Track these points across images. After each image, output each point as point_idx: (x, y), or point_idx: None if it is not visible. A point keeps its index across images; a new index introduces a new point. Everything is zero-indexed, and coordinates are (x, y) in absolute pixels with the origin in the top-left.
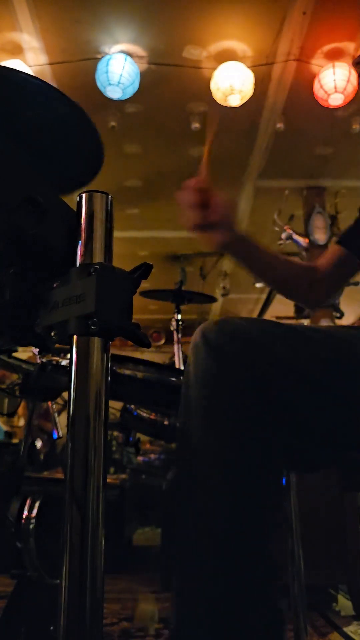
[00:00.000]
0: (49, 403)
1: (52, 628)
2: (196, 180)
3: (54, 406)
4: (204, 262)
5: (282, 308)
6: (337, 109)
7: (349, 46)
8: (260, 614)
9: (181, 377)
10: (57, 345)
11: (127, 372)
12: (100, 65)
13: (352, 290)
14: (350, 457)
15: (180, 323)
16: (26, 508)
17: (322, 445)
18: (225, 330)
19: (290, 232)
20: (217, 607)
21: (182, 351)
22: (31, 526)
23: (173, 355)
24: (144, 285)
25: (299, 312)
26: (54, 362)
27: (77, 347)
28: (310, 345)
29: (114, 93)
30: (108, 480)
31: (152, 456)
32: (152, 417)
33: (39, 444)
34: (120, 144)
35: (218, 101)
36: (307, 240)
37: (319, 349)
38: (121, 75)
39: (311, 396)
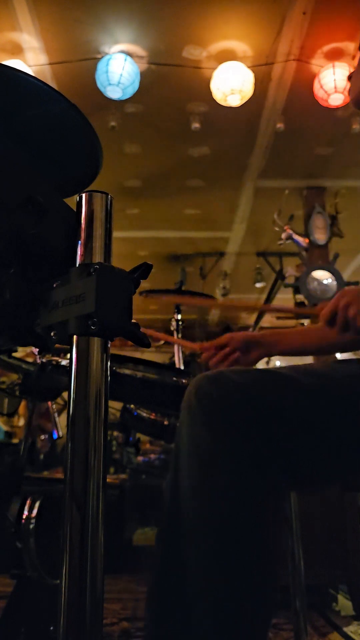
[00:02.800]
0: (49, 403)
1: (52, 628)
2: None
3: (54, 406)
4: (204, 262)
5: None
6: (337, 109)
7: (349, 46)
8: None
9: (181, 377)
10: (57, 345)
11: (127, 372)
12: (100, 65)
13: None
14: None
15: (180, 323)
16: (26, 508)
17: (321, 476)
18: (217, 386)
19: (290, 232)
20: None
21: (182, 351)
22: (31, 526)
23: (173, 355)
24: (144, 285)
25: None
26: (54, 362)
27: (77, 347)
28: (301, 395)
29: (114, 93)
30: (108, 480)
31: (152, 456)
32: (152, 417)
33: (41, 438)
34: (120, 144)
35: (218, 101)
36: (307, 240)
37: (311, 393)
38: (121, 75)
39: (306, 437)
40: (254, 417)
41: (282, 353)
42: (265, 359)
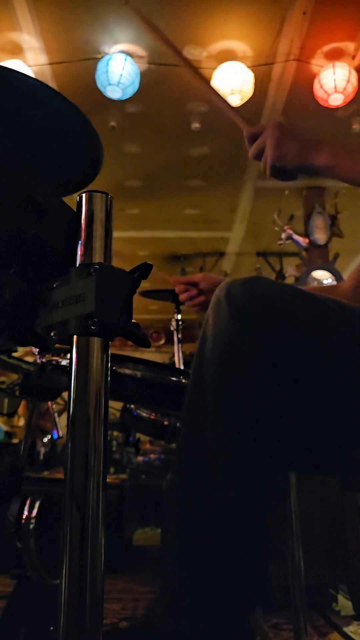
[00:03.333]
0: (49, 403)
1: (52, 628)
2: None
3: (54, 406)
4: (204, 262)
5: None
6: (337, 109)
7: (349, 46)
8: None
9: (181, 377)
10: (57, 345)
11: (127, 372)
12: (100, 65)
13: None
14: (351, 459)
15: (180, 323)
16: (26, 508)
17: (325, 442)
18: (251, 293)
19: (290, 232)
20: (204, 596)
21: (182, 351)
22: (31, 526)
23: (173, 355)
24: (144, 285)
25: None
26: (54, 362)
27: (77, 347)
28: (334, 324)
29: (114, 93)
30: (108, 480)
31: (152, 456)
32: (152, 417)
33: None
34: (120, 144)
35: None
36: (307, 240)
37: (341, 329)
38: (121, 75)
39: (322, 376)
40: (282, 331)
41: None
42: None
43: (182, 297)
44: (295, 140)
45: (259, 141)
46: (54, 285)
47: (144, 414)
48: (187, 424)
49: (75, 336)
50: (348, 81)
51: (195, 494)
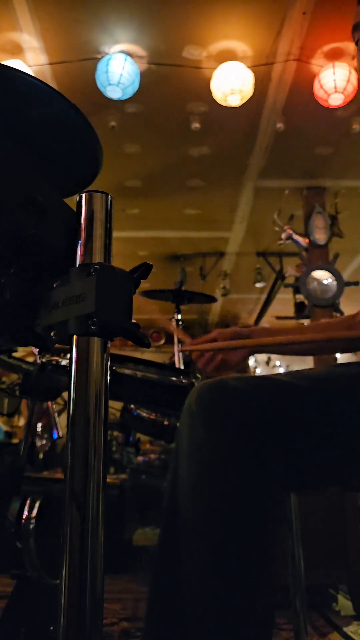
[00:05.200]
0: (49, 403)
1: (52, 628)
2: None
3: (54, 406)
4: (204, 262)
5: (281, 308)
6: (337, 109)
7: (349, 46)
8: None
9: (181, 377)
10: (57, 345)
11: (127, 372)
12: (100, 65)
13: (353, 290)
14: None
15: (180, 323)
16: (26, 508)
17: (321, 478)
18: (218, 395)
19: (290, 232)
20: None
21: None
22: (31, 526)
23: (173, 355)
24: (144, 285)
25: (299, 312)
26: (54, 362)
27: (77, 347)
28: (300, 394)
29: (114, 93)
30: (108, 480)
31: (152, 456)
32: (152, 417)
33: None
34: (120, 144)
35: (218, 101)
36: (307, 240)
37: (306, 397)
38: (121, 75)
39: (305, 439)
40: (254, 421)
41: (271, 350)
42: (266, 359)
43: (200, 363)
44: None
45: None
46: (54, 285)
47: (144, 414)
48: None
49: (75, 336)
50: (348, 81)
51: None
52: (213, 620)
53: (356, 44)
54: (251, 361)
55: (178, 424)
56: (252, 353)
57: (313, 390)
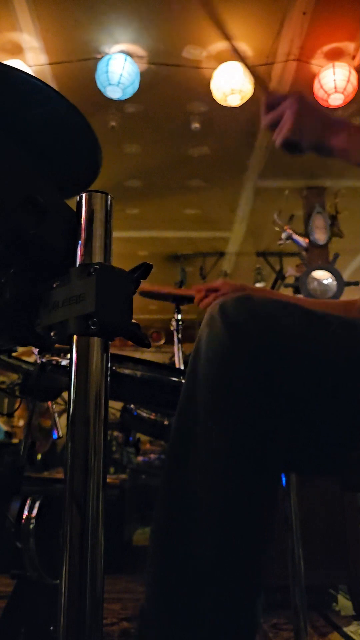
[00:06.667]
0: (49, 403)
1: (52, 628)
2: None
3: (54, 406)
4: (204, 262)
5: None
6: (337, 109)
7: (349, 46)
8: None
9: (181, 377)
10: (57, 345)
11: (127, 372)
12: (100, 65)
13: (353, 290)
14: (351, 461)
15: (180, 323)
16: (26, 508)
17: (325, 444)
18: (245, 308)
19: (290, 232)
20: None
21: (182, 351)
22: (31, 526)
23: (173, 355)
24: (144, 285)
25: None
26: (54, 362)
27: (77, 347)
28: (329, 336)
29: (114, 93)
30: (108, 480)
31: (152, 456)
32: (152, 417)
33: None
34: (120, 144)
35: (218, 101)
36: (307, 240)
37: (336, 342)
38: (121, 75)
39: (320, 392)
40: (277, 342)
41: None
42: None
43: (203, 303)
44: (314, 116)
45: (277, 111)
46: (54, 285)
47: (144, 414)
48: (176, 445)
49: (75, 336)
50: (348, 81)
51: (180, 532)
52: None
53: None
54: None
55: (180, 400)
56: None
57: (344, 338)
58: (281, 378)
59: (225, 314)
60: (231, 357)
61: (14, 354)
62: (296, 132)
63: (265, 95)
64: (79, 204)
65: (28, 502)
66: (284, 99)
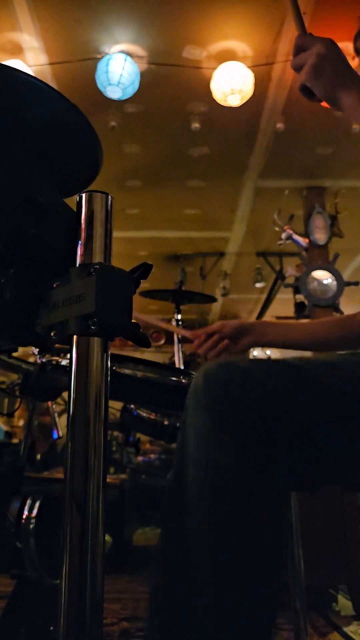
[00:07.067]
0: (49, 403)
1: (52, 628)
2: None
3: (54, 406)
4: (204, 262)
5: (281, 308)
6: None
7: (349, 46)
8: None
9: (181, 377)
10: (57, 345)
11: (127, 372)
12: (100, 65)
13: (353, 290)
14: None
15: (180, 323)
16: (26, 508)
17: (324, 472)
18: (228, 377)
19: (290, 232)
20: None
21: (182, 351)
22: (31, 526)
23: (173, 355)
24: (144, 285)
25: (299, 312)
26: (54, 362)
27: (77, 347)
28: (313, 388)
29: (114, 93)
30: (108, 480)
31: (152, 456)
32: (152, 417)
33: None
34: (120, 144)
35: (218, 101)
36: (307, 240)
37: (319, 390)
38: (121, 75)
39: (310, 444)
40: (262, 404)
41: (272, 344)
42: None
43: (202, 349)
44: (335, 66)
45: (304, 54)
46: (54, 285)
47: (144, 414)
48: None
49: (75, 336)
50: None
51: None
52: (218, 617)
53: (357, 53)
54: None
55: (178, 424)
56: (254, 345)
57: (324, 376)
58: (269, 448)
59: (209, 385)
60: (216, 435)
61: (14, 354)
62: (312, 80)
63: (296, 37)
64: (79, 204)
65: (28, 502)
66: (313, 44)
